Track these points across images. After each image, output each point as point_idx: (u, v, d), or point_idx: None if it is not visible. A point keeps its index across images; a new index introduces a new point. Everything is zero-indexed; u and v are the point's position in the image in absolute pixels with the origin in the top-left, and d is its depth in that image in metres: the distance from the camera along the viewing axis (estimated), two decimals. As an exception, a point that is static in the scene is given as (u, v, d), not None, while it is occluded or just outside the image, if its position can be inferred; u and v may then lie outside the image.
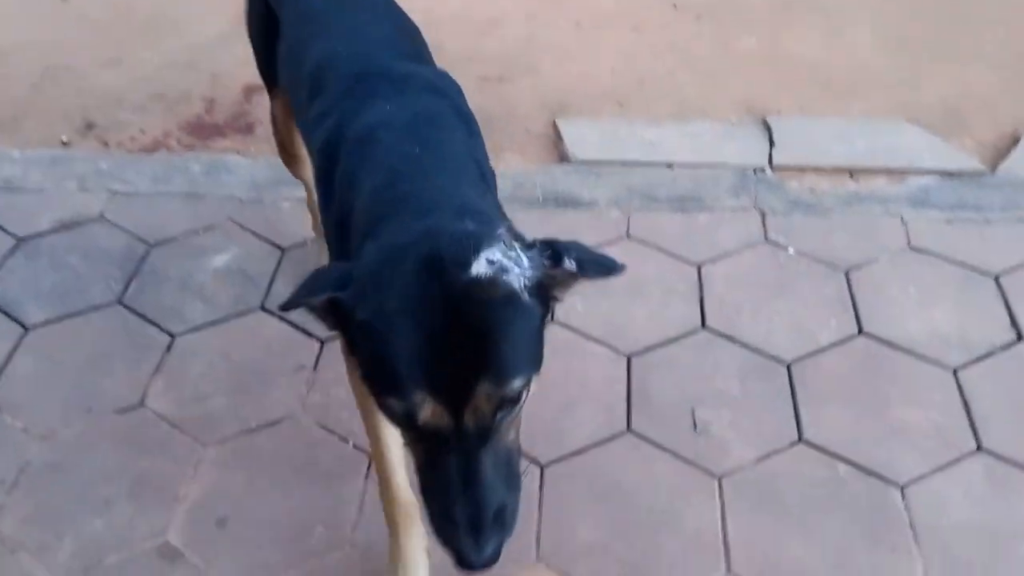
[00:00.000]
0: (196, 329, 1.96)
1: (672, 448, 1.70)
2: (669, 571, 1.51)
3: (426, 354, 0.90)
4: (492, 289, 0.92)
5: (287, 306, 0.97)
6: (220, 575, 1.53)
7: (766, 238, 2.16)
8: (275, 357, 1.90)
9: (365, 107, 1.29)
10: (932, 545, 1.54)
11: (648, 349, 1.90)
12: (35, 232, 2.23)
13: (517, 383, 0.93)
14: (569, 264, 0.93)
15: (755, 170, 2.37)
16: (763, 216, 2.22)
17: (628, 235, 2.17)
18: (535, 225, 2.17)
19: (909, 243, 2.14)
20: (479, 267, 0.92)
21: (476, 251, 0.93)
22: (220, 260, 2.14)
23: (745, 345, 1.90)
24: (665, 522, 1.59)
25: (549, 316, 1.00)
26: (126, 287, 2.07)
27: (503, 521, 0.94)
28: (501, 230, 0.98)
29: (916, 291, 2.02)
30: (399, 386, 0.92)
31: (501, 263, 0.92)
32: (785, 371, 1.85)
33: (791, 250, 2.13)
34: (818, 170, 2.38)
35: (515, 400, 0.94)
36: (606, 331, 1.94)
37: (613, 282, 2.02)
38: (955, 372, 1.83)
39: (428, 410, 0.91)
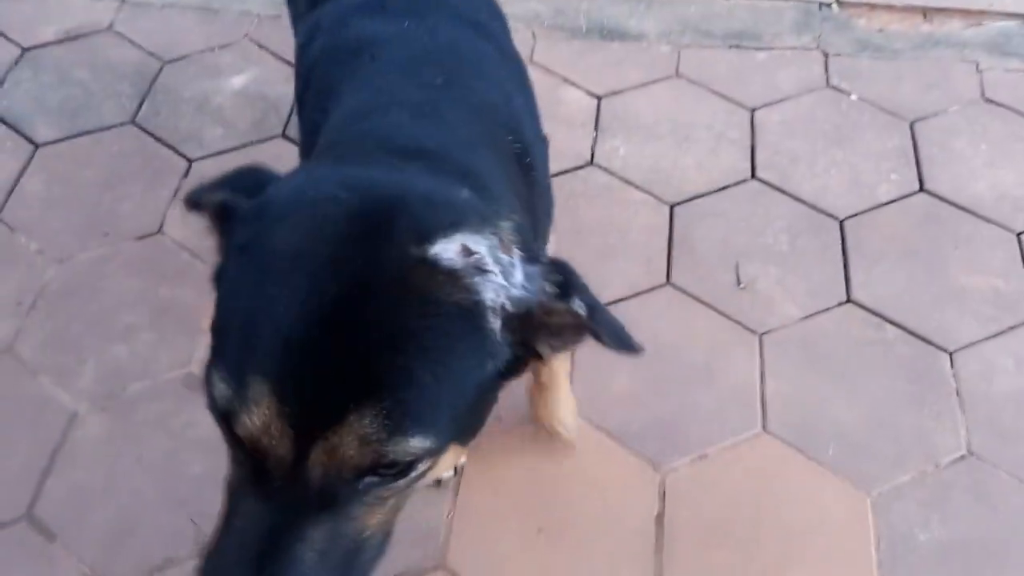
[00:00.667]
0: (214, 155, 1.85)
1: (713, 303, 1.62)
2: (704, 426, 1.47)
3: (298, 333, 0.57)
4: (448, 286, 0.60)
5: (187, 202, 0.72)
6: (245, 408, 1.50)
7: (828, 82, 1.99)
8: (298, 188, 1.79)
9: (370, 18, 0.94)
10: (977, 413, 1.49)
11: (693, 198, 1.78)
12: (40, 43, 2.08)
13: (415, 444, 0.59)
14: (577, 306, 0.64)
15: (820, 5, 2.16)
16: (826, 57, 2.04)
17: (678, 73, 2.00)
18: (576, 58, 2.02)
19: (983, 94, 1.96)
20: (445, 248, 0.61)
21: (453, 227, 0.62)
22: (238, 81, 1.99)
23: (797, 198, 1.78)
24: (702, 378, 1.53)
25: (515, 374, 0.69)
26: (139, 106, 1.95)
27: None
28: (505, 223, 0.68)
29: (986, 147, 1.87)
30: (232, 361, 0.59)
31: (481, 260, 0.62)
32: (838, 227, 1.74)
33: (854, 96, 1.96)
34: (889, 8, 2.16)
35: (401, 470, 0.61)
36: (649, 177, 1.81)
37: (659, 126, 1.91)
38: (1019, 236, 1.72)
39: (258, 416, 0.57)
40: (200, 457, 1.44)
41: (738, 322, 1.60)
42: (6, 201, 1.79)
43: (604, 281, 1.64)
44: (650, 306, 1.63)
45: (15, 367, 1.56)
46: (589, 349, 1.54)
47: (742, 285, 1.65)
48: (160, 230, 1.73)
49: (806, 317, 1.61)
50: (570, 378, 1.48)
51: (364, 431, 0.57)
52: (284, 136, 1.89)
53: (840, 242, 1.71)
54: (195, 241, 1.71)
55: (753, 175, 1.82)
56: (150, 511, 1.40)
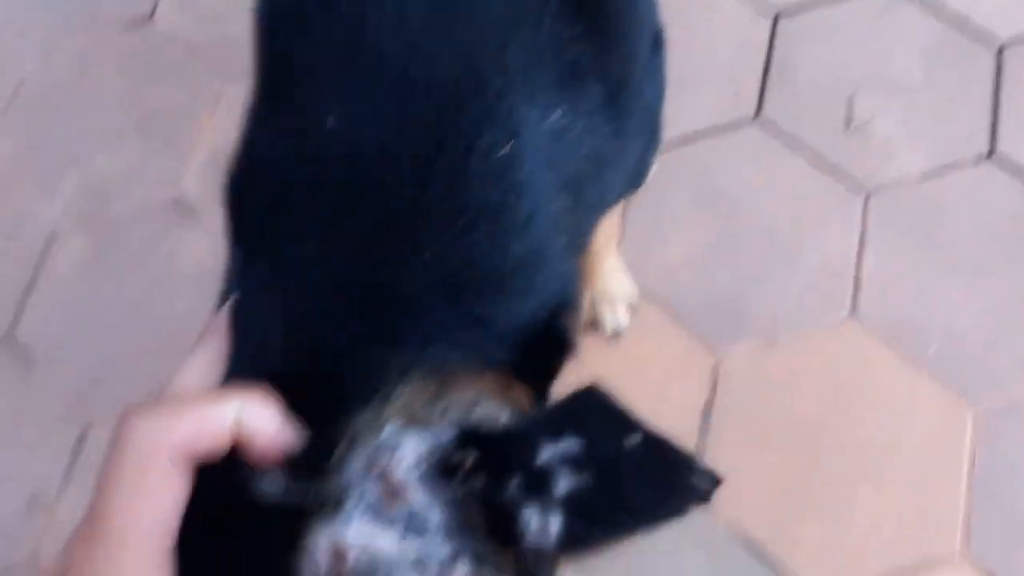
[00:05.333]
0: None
1: (812, 146, 1.29)
2: (778, 306, 1.21)
3: None
4: None
5: None
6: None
7: None
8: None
9: None
10: None
11: (802, 8, 1.39)
12: None
13: None
14: (535, 532, 0.34)
15: None
16: None
17: None
18: None
19: None
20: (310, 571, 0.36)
21: (295, 539, 0.36)
22: None
23: (940, 13, 1.37)
24: (784, 244, 1.24)
25: None
26: None
27: None
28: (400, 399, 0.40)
29: None
30: None
31: (366, 554, 0.36)
32: (992, 55, 1.34)
33: None
34: None
35: None
36: (751, -26, 1.42)
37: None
38: None
39: None
40: (185, 293, 1.27)
41: (841, 173, 1.28)
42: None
43: (677, 110, 1.31)
44: (731, 146, 1.31)
45: (-4, 172, 1.39)
46: (647, 193, 1.28)
47: (853, 125, 1.31)
48: (151, 17, 1.46)
49: (931, 174, 1.27)
50: (619, 235, 1.22)
51: None
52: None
53: (993, 75, 1.32)
54: (190, 31, 1.44)
55: (888, -22, 1.41)
56: (131, 348, 1.25)
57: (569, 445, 0.34)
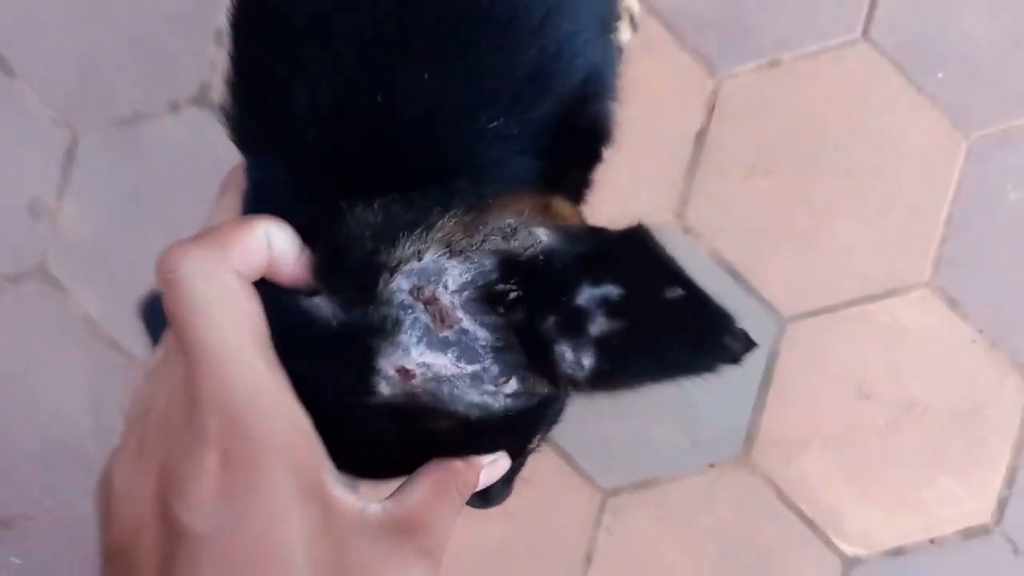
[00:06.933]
0: None
1: None
2: (787, 24, 1.14)
3: None
4: (429, 422, 0.39)
5: None
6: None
7: None
8: None
9: None
10: None
11: None
12: None
13: None
14: (570, 364, 0.35)
15: None
16: None
17: None
18: None
19: None
20: (389, 381, 0.38)
21: (367, 360, 0.37)
22: None
23: None
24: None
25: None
26: None
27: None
28: (433, 231, 0.38)
29: None
30: None
31: (426, 370, 0.37)
32: None
33: None
34: None
35: None
36: None
37: None
38: None
39: None
40: (167, -5, 1.20)
41: None
42: None
43: None
44: None
45: None
46: None
47: None
48: None
49: None
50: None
51: None
52: None
53: None
54: None
55: None
56: (114, 49, 1.20)
57: (608, 291, 0.34)
